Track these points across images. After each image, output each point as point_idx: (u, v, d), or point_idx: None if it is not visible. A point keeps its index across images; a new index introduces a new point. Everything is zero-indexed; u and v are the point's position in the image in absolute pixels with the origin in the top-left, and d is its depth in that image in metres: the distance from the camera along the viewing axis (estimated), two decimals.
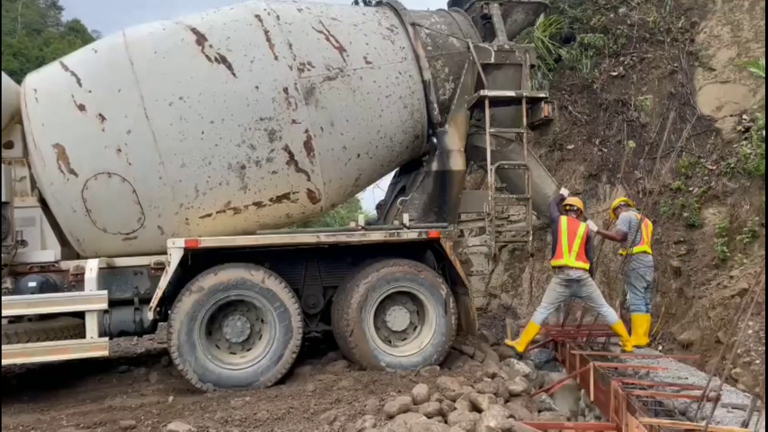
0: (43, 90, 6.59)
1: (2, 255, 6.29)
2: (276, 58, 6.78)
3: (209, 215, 6.72)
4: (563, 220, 7.25)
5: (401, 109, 7.46)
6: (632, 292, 7.67)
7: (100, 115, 6.42)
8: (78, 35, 37.84)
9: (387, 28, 7.60)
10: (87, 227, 6.55)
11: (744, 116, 8.78)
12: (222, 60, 6.67)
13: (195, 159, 6.54)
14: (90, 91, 6.48)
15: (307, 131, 6.82)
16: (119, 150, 6.41)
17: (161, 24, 6.97)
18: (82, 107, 6.43)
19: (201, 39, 6.73)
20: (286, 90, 6.75)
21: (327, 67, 6.98)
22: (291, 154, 6.81)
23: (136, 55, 6.59)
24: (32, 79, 6.79)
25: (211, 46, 6.71)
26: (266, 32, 6.86)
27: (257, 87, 6.68)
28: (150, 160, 6.44)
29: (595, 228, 7.53)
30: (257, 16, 6.97)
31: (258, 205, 6.87)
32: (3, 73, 6.49)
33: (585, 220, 7.46)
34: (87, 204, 6.45)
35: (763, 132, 7.90)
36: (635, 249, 7.53)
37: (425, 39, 7.69)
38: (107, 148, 6.41)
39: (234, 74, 6.66)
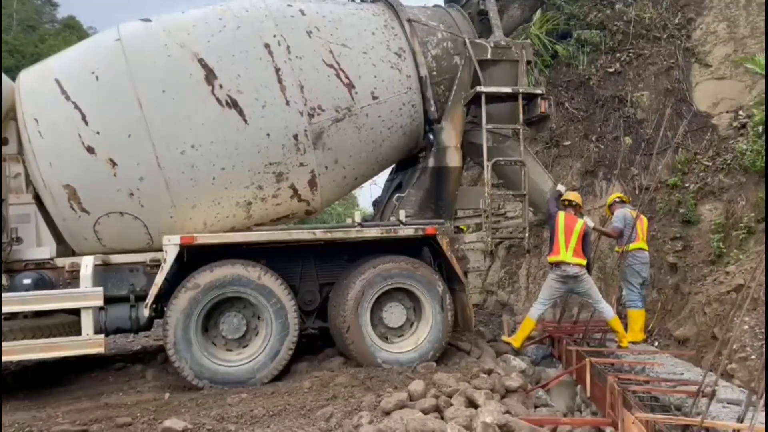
0: (46, 123, 6.36)
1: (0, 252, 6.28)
2: (287, 103, 6.75)
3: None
4: (560, 216, 7.25)
5: (401, 136, 7.66)
6: (628, 289, 7.68)
7: (111, 160, 6.38)
8: (73, 32, 37.66)
9: (395, 53, 7.43)
10: (97, 249, 6.71)
11: (740, 112, 8.79)
12: (233, 104, 6.57)
13: (205, 201, 6.67)
14: (98, 133, 6.35)
15: (312, 171, 7.01)
16: (131, 194, 6.48)
17: (165, 45, 6.53)
18: (91, 149, 6.36)
19: (210, 76, 6.52)
20: (296, 137, 6.81)
21: (336, 109, 6.97)
22: (295, 190, 7.02)
23: (144, 92, 6.37)
24: (30, 102, 6.41)
25: (221, 86, 6.54)
26: (277, 71, 6.71)
27: (268, 134, 6.71)
28: (162, 203, 6.53)
29: (592, 224, 7.53)
30: (267, 46, 6.76)
31: (259, 225, 7.12)
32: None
33: (582, 216, 7.46)
34: (98, 235, 6.61)
35: (759, 128, 7.91)
36: (631, 246, 7.54)
37: (431, 63, 7.66)
38: (119, 191, 6.46)
39: (245, 121, 6.61)
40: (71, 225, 6.52)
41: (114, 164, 6.38)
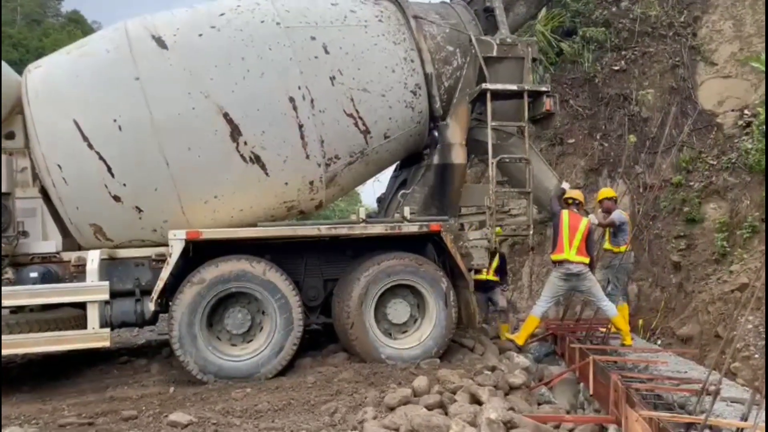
0: (70, 172, 6.37)
1: (4, 246, 6.29)
2: (307, 157, 6.88)
3: None
4: (565, 214, 7.26)
5: (402, 155, 8.05)
6: (614, 285, 7.77)
7: (137, 207, 6.53)
8: (77, 26, 37.71)
9: (411, 91, 7.42)
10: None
11: (745, 111, 8.79)
12: (256, 160, 6.68)
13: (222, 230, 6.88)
14: (125, 185, 6.45)
15: (321, 200, 7.36)
16: (155, 230, 6.71)
17: (189, 94, 6.40)
18: (117, 198, 6.48)
19: (235, 132, 6.53)
20: (311, 183, 7.07)
21: (351, 154, 7.17)
22: (302, 212, 7.43)
23: (170, 149, 6.38)
24: (50, 145, 6.34)
25: (246, 143, 6.59)
26: (300, 127, 6.76)
27: (286, 183, 6.93)
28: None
29: (596, 221, 7.56)
30: (291, 100, 6.73)
31: None
32: (4, 63, 6.46)
33: (587, 214, 7.47)
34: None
35: (764, 127, 7.90)
36: (623, 248, 7.64)
37: (443, 95, 7.66)
38: (143, 229, 6.70)
39: (267, 173, 6.76)
40: (93, 245, 6.74)
41: (140, 211, 6.55)
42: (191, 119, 6.46)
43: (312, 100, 6.80)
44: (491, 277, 8.68)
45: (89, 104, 6.44)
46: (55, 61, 6.91)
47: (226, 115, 6.52)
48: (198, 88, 6.50)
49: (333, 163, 7.07)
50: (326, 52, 6.98)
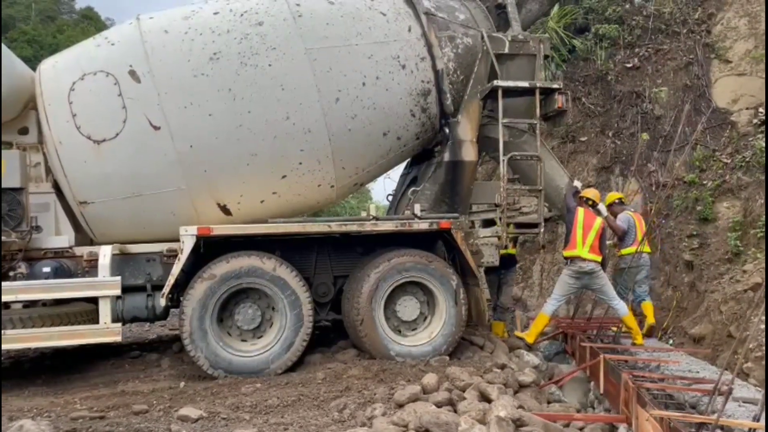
0: None
1: (18, 240, 6.34)
2: None
3: None
4: (580, 212, 7.22)
5: None
6: (621, 288, 7.72)
7: None
8: (91, 23, 37.92)
9: None
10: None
11: (760, 109, 8.70)
12: None
13: None
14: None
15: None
16: None
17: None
18: None
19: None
20: None
21: None
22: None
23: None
24: None
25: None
26: None
27: None
28: None
29: (605, 212, 7.52)
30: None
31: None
32: (19, 60, 6.52)
33: (599, 213, 7.43)
34: None
35: (764, 127, 7.83)
36: (629, 250, 7.60)
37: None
38: None
39: None
40: None
41: None
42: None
43: None
44: (511, 250, 8.47)
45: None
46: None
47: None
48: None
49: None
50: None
